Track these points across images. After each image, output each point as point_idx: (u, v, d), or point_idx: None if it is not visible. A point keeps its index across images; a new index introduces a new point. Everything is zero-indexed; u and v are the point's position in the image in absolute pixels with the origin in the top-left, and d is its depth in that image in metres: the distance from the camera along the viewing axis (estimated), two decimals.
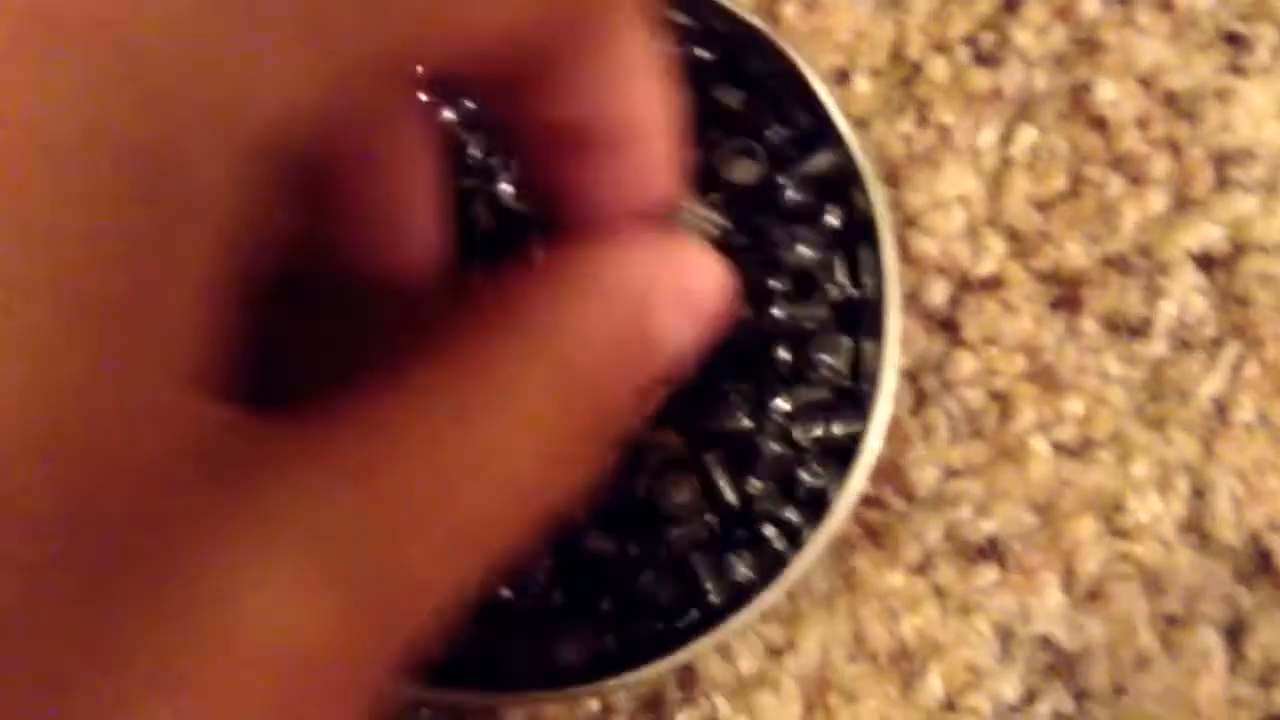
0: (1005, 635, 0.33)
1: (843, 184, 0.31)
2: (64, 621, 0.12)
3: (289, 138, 0.15)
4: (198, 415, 0.14)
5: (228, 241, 0.14)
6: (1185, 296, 0.34)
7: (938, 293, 0.33)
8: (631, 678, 0.29)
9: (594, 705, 0.32)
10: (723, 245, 0.31)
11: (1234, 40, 0.35)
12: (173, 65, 0.13)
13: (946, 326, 0.34)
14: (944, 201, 0.34)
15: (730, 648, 0.32)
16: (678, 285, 0.21)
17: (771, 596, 0.30)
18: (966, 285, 0.34)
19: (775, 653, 0.32)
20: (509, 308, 0.19)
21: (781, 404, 0.31)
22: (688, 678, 0.32)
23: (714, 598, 0.30)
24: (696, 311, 0.21)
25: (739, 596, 0.30)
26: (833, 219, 0.31)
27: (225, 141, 0.14)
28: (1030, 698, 0.32)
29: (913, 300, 0.33)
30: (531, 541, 0.18)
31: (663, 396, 0.21)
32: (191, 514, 0.13)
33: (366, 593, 0.15)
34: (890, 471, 0.33)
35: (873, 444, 0.30)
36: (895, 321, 0.30)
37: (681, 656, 0.30)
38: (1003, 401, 0.33)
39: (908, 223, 0.33)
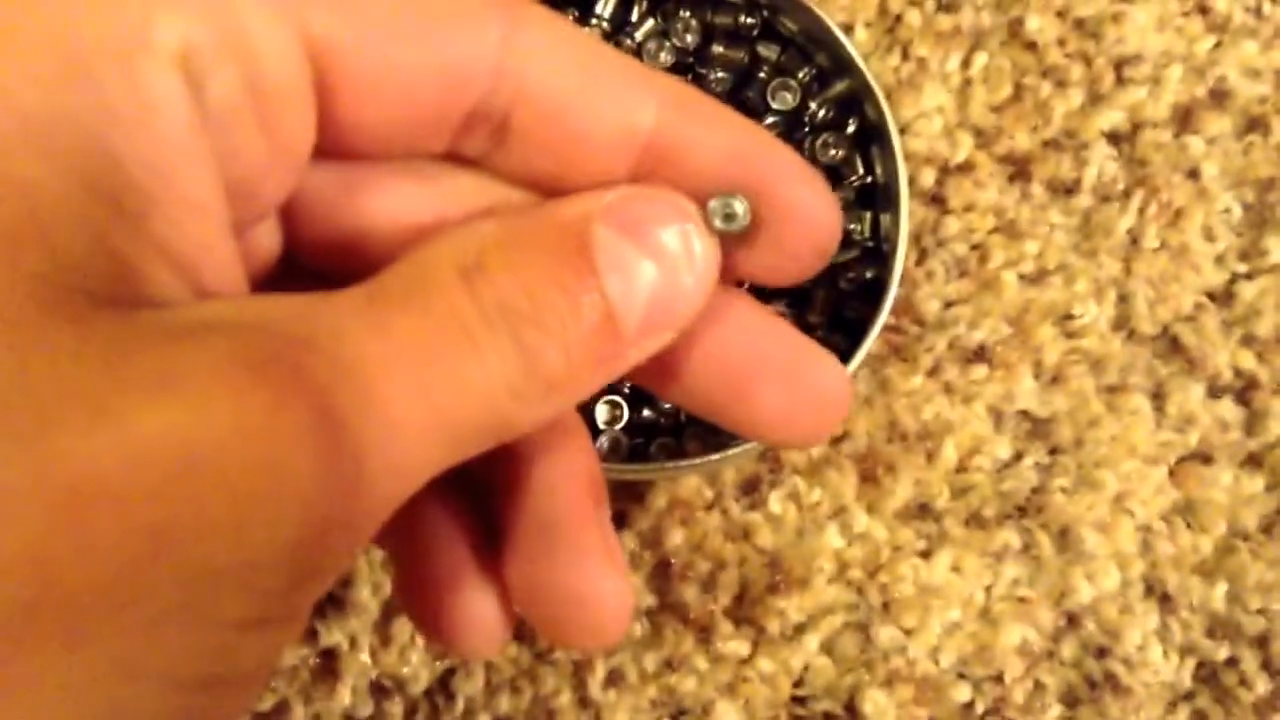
0: (996, 414, 0.41)
1: (857, 102, 0.39)
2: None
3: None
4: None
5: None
6: (1102, 163, 0.41)
7: (927, 177, 0.41)
8: (738, 451, 0.36)
9: (709, 492, 0.40)
10: None
11: None
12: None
13: (936, 200, 0.42)
14: (926, 112, 0.42)
15: None
16: (626, 210, 0.19)
17: None
18: (947, 170, 0.42)
19: (835, 441, 0.40)
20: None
21: None
22: (775, 465, 0.40)
23: None
24: (645, 237, 0.19)
25: None
26: (850, 128, 0.40)
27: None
28: (1018, 456, 0.41)
29: (910, 184, 0.39)
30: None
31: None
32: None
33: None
34: (905, 305, 0.41)
35: (893, 287, 0.37)
36: (905, 198, 0.37)
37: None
38: (980, 249, 0.41)
39: (902, 130, 0.41)
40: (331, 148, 0.20)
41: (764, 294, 0.40)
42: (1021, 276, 0.41)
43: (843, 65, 0.39)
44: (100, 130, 0.16)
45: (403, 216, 0.21)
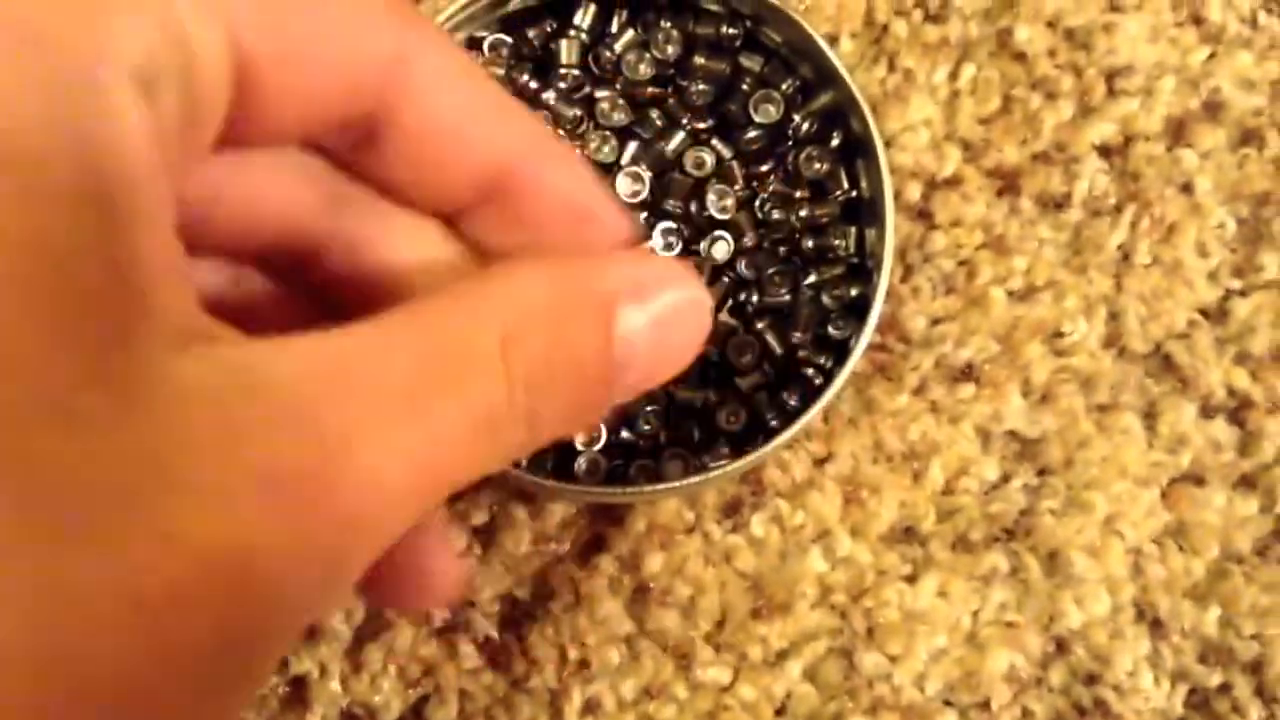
0: (984, 434, 0.40)
1: (842, 114, 0.38)
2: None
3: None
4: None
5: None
6: (1092, 177, 0.40)
7: (914, 191, 0.40)
8: (718, 473, 0.36)
9: (689, 515, 0.39)
10: (756, 168, 0.40)
11: None
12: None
13: (922, 215, 0.41)
14: (913, 125, 0.41)
15: (786, 461, 0.39)
16: (633, 274, 0.21)
17: (811, 417, 0.36)
18: (934, 184, 0.41)
19: (818, 462, 0.40)
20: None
21: (810, 279, 0.39)
22: (757, 487, 0.39)
23: (773, 423, 0.38)
24: (647, 297, 0.20)
25: (790, 420, 0.37)
26: (834, 141, 0.39)
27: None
28: (1006, 477, 0.40)
29: (896, 198, 0.38)
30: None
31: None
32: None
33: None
34: (891, 323, 0.40)
35: (878, 304, 0.36)
36: (891, 213, 0.37)
37: (752, 460, 0.36)
38: (968, 265, 0.40)
39: (888, 143, 0.40)
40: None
41: (748, 313, 0.39)
42: (1010, 293, 0.40)
43: (827, 77, 0.38)
44: (75, 140, 0.16)
45: (266, 201, 0.22)
